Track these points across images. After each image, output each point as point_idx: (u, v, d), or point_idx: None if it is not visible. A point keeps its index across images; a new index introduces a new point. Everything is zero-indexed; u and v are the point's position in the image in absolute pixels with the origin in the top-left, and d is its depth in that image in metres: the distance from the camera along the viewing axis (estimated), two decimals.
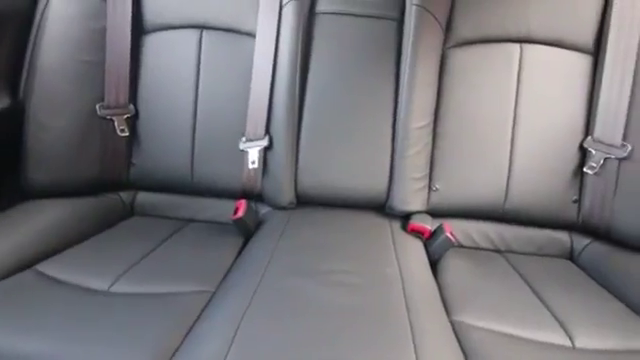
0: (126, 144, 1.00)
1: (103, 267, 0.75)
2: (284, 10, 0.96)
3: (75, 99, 0.93)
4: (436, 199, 0.97)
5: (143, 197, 1.05)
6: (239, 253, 0.88)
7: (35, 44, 0.91)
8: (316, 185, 0.99)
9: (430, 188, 0.97)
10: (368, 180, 0.99)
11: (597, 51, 0.92)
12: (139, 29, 0.99)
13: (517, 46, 0.94)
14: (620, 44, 0.87)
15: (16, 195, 0.91)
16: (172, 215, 1.04)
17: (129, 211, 1.04)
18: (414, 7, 0.94)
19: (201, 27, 0.99)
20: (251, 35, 0.97)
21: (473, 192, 0.96)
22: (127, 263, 0.78)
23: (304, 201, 1.00)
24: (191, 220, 1.03)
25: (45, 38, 0.90)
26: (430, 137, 0.96)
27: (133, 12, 0.96)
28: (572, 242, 0.97)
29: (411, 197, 0.96)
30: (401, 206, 0.96)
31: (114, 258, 0.79)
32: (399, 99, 0.96)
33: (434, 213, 0.97)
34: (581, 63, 0.93)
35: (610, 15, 0.89)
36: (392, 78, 0.98)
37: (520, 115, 0.94)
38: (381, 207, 1.00)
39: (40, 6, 0.92)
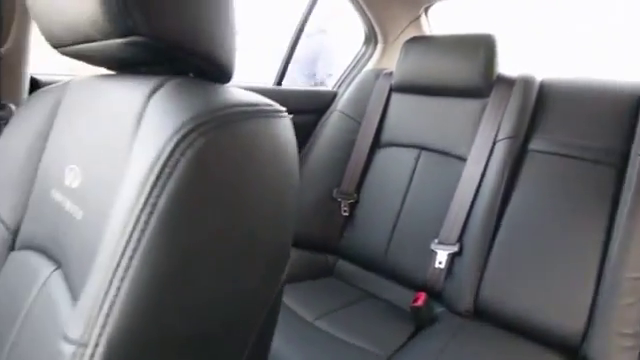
0: (344, 222, 1.20)
1: (313, 305, 0.91)
2: (497, 145, 1.04)
3: (321, 183, 1.22)
4: None
5: (342, 264, 1.20)
6: (408, 339, 0.89)
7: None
8: (498, 302, 0.93)
9: None
10: (560, 316, 0.86)
11: None
12: (375, 143, 1.25)
13: None
14: None
15: None
16: (359, 286, 1.14)
17: (330, 272, 1.20)
18: None
19: (421, 148, 1.17)
20: (462, 159, 1.08)
21: None
22: (328, 308, 0.92)
23: (483, 314, 0.95)
24: (372, 295, 1.11)
25: (320, 139, 1.25)
26: None
27: (375, 131, 1.23)
28: None
29: (615, 355, 0.78)
30: None
31: (321, 301, 0.94)
32: (611, 245, 0.85)
33: None
34: None
35: None
36: (603, 222, 0.89)
37: None
38: (571, 351, 0.84)
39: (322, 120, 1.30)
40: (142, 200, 0.28)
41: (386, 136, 1.24)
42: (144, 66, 0.43)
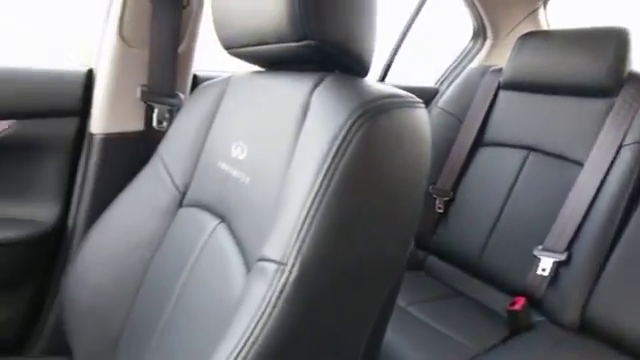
0: (437, 218, 1.20)
1: (404, 293, 0.95)
2: (623, 149, 0.94)
3: None
4: None
5: (432, 260, 1.20)
6: (501, 342, 0.87)
7: None
8: (610, 318, 0.86)
9: None
10: None
11: None
12: (478, 142, 1.21)
13: None
14: None
15: None
16: (449, 283, 1.14)
17: (420, 267, 1.21)
18: None
19: (530, 149, 1.11)
20: (577, 163, 1.00)
21: None
22: (419, 298, 0.95)
23: (589, 328, 0.88)
24: (463, 294, 1.09)
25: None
26: None
27: (479, 130, 1.20)
28: None
29: None
30: None
31: (412, 291, 0.97)
32: None
33: None
34: None
35: None
36: None
37: None
38: None
39: None
40: (324, 168, 0.37)
41: (490, 135, 1.20)
42: (295, 64, 0.51)
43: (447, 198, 1.19)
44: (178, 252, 0.57)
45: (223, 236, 0.51)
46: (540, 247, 0.97)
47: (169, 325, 0.53)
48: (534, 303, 0.96)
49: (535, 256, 0.97)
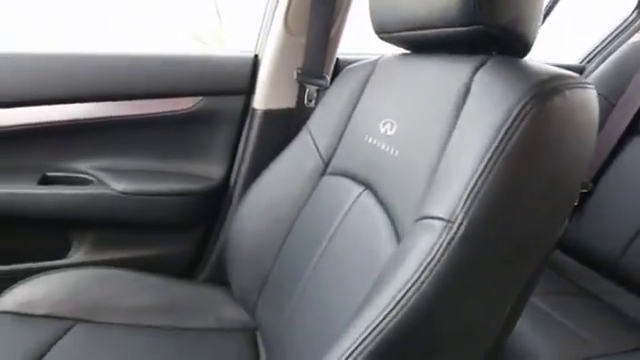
0: (571, 212, 1.11)
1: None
2: None
3: None
4: None
5: (559, 256, 1.12)
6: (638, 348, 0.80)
7: None
8: None
9: None
10: None
11: None
12: (632, 130, 1.06)
13: None
14: None
15: None
16: (577, 282, 1.05)
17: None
18: None
19: None
20: None
21: None
22: (541, 290, 0.90)
23: None
24: (591, 293, 1.00)
25: None
26: None
27: (635, 115, 1.04)
28: None
29: None
30: None
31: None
32: None
33: None
34: None
35: None
36: None
37: None
38: None
39: None
40: (493, 147, 0.40)
41: None
42: (450, 46, 0.52)
43: (585, 190, 1.09)
44: (326, 209, 0.65)
45: (369, 201, 0.57)
46: None
47: (317, 270, 0.61)
48: None
49: None
